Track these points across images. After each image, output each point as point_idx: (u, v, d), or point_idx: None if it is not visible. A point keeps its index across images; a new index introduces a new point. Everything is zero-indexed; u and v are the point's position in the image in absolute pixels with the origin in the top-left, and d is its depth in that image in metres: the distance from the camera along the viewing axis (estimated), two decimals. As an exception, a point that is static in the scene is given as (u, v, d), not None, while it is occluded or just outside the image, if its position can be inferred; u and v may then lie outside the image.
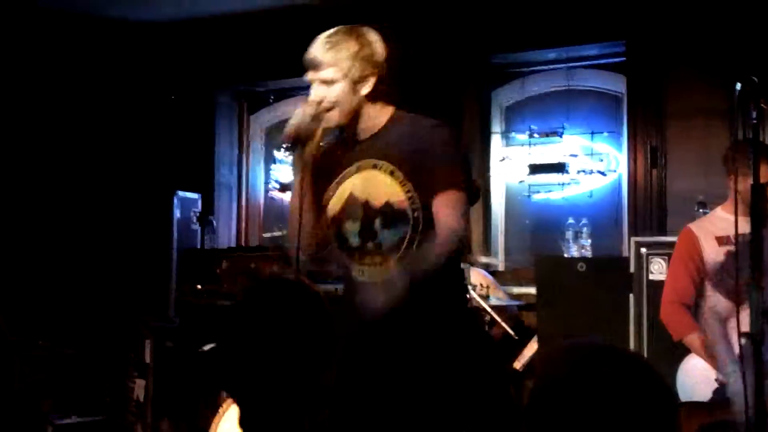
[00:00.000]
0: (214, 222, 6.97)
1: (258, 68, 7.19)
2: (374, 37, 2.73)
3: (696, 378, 3.71)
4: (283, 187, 7.30)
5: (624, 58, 5.97)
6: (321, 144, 2.69)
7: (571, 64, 6.27)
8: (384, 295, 2.39)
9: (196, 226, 6.73)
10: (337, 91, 2.64)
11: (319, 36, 2.73)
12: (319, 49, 2.69)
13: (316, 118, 2.65)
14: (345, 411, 2.39)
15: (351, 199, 2.67)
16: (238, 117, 7.57)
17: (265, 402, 1.62)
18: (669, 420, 1.29)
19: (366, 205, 2.64)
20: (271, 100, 7.48)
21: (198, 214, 6.76)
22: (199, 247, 6.73)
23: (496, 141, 6.45)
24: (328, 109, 2.66)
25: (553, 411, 1.27)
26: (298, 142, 2.63)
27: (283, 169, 7.35)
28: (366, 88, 2.65)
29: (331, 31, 2.73)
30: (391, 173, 2.62)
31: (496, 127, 6.49)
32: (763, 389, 2.33)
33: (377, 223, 2.62)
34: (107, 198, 6.70)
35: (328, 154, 2.75)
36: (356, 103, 2.65)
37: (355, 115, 2.67)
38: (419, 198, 2.59)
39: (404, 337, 2.47)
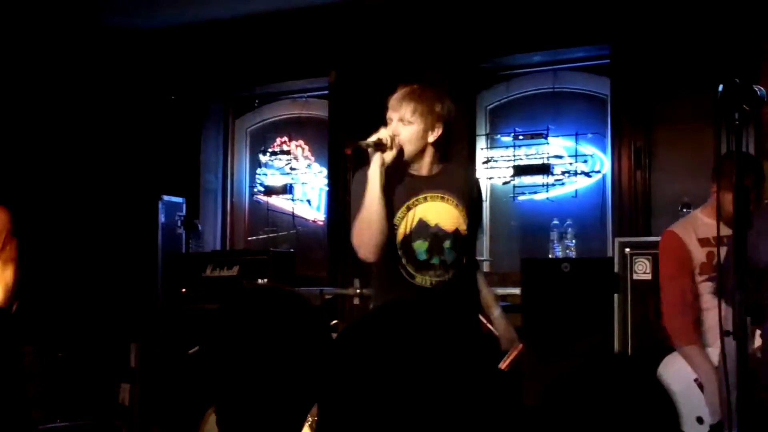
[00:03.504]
0: (200, 226, 6.96)
1: (243, 73, 7.19)
2: (448, 101, 3.33)
3: (680, 381, 3.71)
4: (269, 191, 7.30)
5: (609, 61, 6.00)
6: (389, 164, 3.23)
7: (556, 67, 6.30)
8: (444, 300, 3.22)
9: (181, 231, 6.72)
10: (412, 131, 3.25)
11: (404, 87, 3.32)
12: (406, 97, 3.28)
13: (395, 141, 3.23)
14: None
15: (421, 223, 3.29)
16: (224, 121, 7.57)
17: (245, 405, 1.62)
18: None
19: (437, 228, 3.29)
20: (256, 104, 7.48)
21: (183, 219, 6.75)
22: (184, 251, 6.72)
23: (481, 143, 6.47)
24: (392, 146, 3.23)
25: None
26: (379, 148, 3.18)
27: (269, 173, 7.36)
28: (432, 137, 3.27)
29: (417, 86, 3.32)
30: (456, 206, 3.33)
31: (481, 129, 6.51)
32: (749, 384, 2.34)
33: (446, 244, 3.28)
34: (93, 202, 6.68)
35: (395, 184, 3.29)
36: (423, 145, 3.28)
37: (420, 155, 3.30)
38: (470, 228, 3.35)
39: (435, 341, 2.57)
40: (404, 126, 3.25)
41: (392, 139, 3.21)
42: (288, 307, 1.69)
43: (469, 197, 3.37)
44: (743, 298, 2.35)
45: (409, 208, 3.29)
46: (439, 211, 3.31)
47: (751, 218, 2.38)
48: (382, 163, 3.19)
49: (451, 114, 3.32)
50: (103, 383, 5.77)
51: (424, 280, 3.28)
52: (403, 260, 3.27)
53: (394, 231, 3.27)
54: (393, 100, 3.28)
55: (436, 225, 3.29)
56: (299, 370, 1.62)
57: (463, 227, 3.32)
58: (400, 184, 3.30)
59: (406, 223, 3.28)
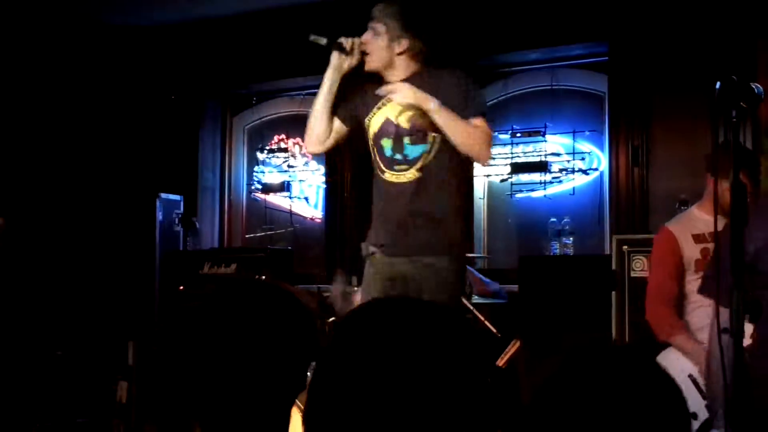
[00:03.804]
0: (198, 224, 6.96)
1: (241, 70, 7.19)
2: (418, 17, 3.63)
3: (673, 376, 3.72)
4: (266, 189, 7.30)
5: (606, 58, 6.00)
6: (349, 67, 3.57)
7: (554, 64, 6.31)
8: (407, 193, 3.45)
9: (179, 228, 6.72)
10: (378, 41, 3.53)
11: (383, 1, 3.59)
12: (379, 8, 3.57)
13: (360, 50, 3.55)
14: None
15: (387, 121, 3.55)
16: (221, 118, 7.57)
17: (224, 403, 1.61)
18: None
19: (398, 127, 3.51)
20: (253, 102, 7.48)
21: (180, 216, 6.74)
22: (181, 249, 6.72)
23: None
24: (366, 53, 3.54)
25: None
26: (340, 49, 3.53)
27: (266, 170, 7.36)
28: (399, 48, 3.54)
29: (395, 2, 3.59)
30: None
31: (479, 126, 6.50)
32: (744, 382, 2.34)
33: (406, 140, 3.50)
34: (90, 200, 6.68)
35: (369, 89, 3.57)
36: (390, 54, 3.54)
37: (388, 63, 3.55)
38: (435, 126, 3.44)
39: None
40: (373, 35, 3.55)
41: (353, 44, 3.54)
42: (272, 302, 1.68)
43: (440, 96, 3.44)
44: (740, 295, 2.35)
45: (378, 108, 3.56)
46: (399, 110, 3.51)
47: (748, 214, 2.38)
48: (338, 66, 3.56)
49: (425, 30, 3.61)
50: (100, 381, 5.76)
51: (392, 175, 3.52)
52: (377, 157, 3.57)
53: (367, 132, 3.59)
54: (373, 11, 3.58)
55: (398, 123, 3.52)
56: (281, 366, 1.61)
57: (425, 123, 3.45)
58: (374, 89, 3.54)
59: (375, 123, 3.57)
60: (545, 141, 6.22)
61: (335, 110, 3.65)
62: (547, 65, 6.34)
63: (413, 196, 3.46)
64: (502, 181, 6.34)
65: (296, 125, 7.29)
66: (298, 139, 7.24)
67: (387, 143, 3.54)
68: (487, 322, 5.02)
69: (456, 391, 1.28)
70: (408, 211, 3.47)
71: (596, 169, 6.14)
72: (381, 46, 3.54)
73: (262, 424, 1.62)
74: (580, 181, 6.18)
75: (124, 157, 6.97)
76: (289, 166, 7.26)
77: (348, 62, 3.56)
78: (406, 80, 3.52)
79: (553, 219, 6.00)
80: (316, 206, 7.14)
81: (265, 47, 6.95)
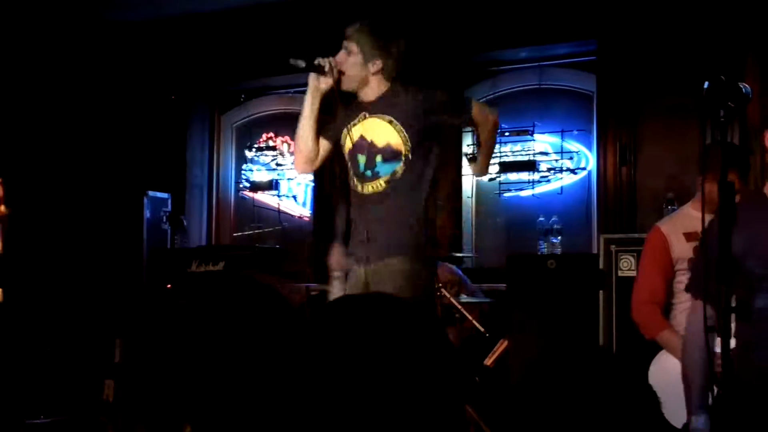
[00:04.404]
0: (185, 222, 6.94)
1: (229, 68, 7.17)
2: (392, 37, 3.70)
3: (670, 378, 3.72)
4: (254, 187, 7.29)
5: (595, 58, 6.01)
6: (330, 90, 3.64)
7: (542, 63, 6.31)
8: (377, 203, 3.60)
9: (167, 226, 6.70)
10: (352, 61, 3.63)
11: (357, 22, 3.69)
12: (354, 29, 3.66)
13: (337, 70, 3.63)
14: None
15: (361, 138, 3.67)
16: (210, 116, 7.55)
17: (217, 402, 1.61)
18: None
19: (371, 144, 3.63)
20: (242, 100, 7.46)
21: (168, 214, 6.72)
22: (169, 246, 6.70)
23: (467, 139, 6.47)
24: (342, 73, 3.63)
25: None
26: (318, 71, 3.60)
27: (255, 168, 7.35)
28: (373, 68, 3.64)
29: (367, 21, 3.70)
30: (390, 122, 3.61)
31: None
32: (732, 382, 2.35)
33: (378, 158, 3.61)
34: (78, 197, 6.65)
35: (343, 108, 3.71)
36: (364, 75, 3.64)
37: (362, 83, 3.66)
38: (411, 142, 3.59)
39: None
40: (348, 56, 3.64)
41: (331, 64, 3.61)
42: (253, 298, 1.67)
43: (411, 115, 3.60)
44: (727, 294, 2.36)
45: (353, 126, 3.69)
46: (375, 129, 3.65)
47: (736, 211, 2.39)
48: (316, 87, 3.64)
49: (396, 50, 3.67)
50: (87, 379, 5.74)
51: (364, 187, 3.67)
52: (351, 171, 3.71)
53: (343, 147, 3.73)
54: (347, 31, 3.68)
55: (371, 141, 3.65)
56: (267, 362, 1.60)
57: (397, 142, 3.59)
58: (348, 107, 3.71)
59: (350, 139, 3.69)
60: (533, 140, 6.23)
61: (326, 130, 3.77)
62: (535, 64, 6.34)
63: (379, 205, 3.61)
64: (491, 180, 6.34)
65: (285, 123, 7.28)
66: (287, 137, 7.23)
67: (361, 159, 3.67)
68: (474, 321, 5.03)
69: (420, 379, 1.28)
70: (374, 218, 3.62)
71: (584, 169, 6.16)
72: (356, 66, 3.64)
73: (254, 422, 1.62)
74: (568, 180, 6.19)
75: (111, 154, 6.94)
76: (277, 164, 7.25)
77: (325, 82, 3.63)
78: (380, 98, 3.66)
79: (541, 218, 6.00)
80: (304, 204, 7.13)
81: (254, 44, 6.93)
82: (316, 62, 3.62)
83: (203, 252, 6.56)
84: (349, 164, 3.73)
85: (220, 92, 7.52)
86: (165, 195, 6.75)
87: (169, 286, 6.21)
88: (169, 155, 7.22)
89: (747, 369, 2.64)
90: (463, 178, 6.44)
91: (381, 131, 3.64)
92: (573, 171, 6.17)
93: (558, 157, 6.20)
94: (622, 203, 5.75)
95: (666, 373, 3.77)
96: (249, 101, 7.47)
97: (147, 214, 6.52)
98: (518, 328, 4.99)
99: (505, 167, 6.26)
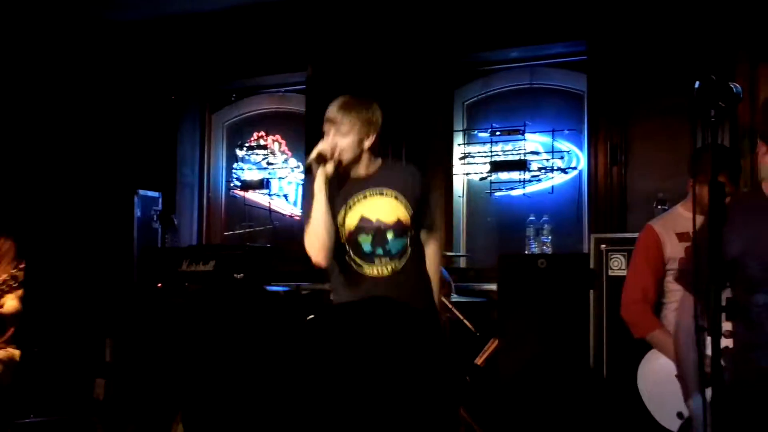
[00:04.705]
0: (176, 221, 6.93)
1: (220, 67, 7.16)
2: (377, 108, 3.65)
3: (660, 378, 3.73)
4: (245, 186, 7.28)
5: (586, 57, 6.02)
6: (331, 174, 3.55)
7: (533, 63, 6.32)
8: (393, 287, 3.49)
9: (157, 225, 6.69)
10: (348, 141, 3.54)
11: (338, 99, 3.61)
12: (339, 110, 3.57)
13: (334, 152, 3.55)
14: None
15: (363, 219, 3.58)
16: (200, 115, 7.53)
17: (208, 396, 1.61)
18: None
19: (378, 222, 3.57)
20: (233, 98, 7.46)
21: (159, 213, 6.71)
22: (159, 246, 6.68)
23: (458, 139, 6.48)
24: (333, 154, 3.53)
25: None
26: (321, 161, 3.50)
27: (245, 167, 7.34)
28: (368, 143, 3.58)
29: (348, 97, 3.62)
30: (395, 198, 3.60)
31: (459, 124, 6.52)
32: (722, 382, 2.35)
33: (389, 235, 3.56)
34: (68, 196, 6.63)
35: (335, 189, 3.59)
36: (359, 152, 3.57)
37: (357, 160, 3.58)
38: (414, 219, 3.61)
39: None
40: (342, 137, 3.54)
41: (332, 150, 3.52)
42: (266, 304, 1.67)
43: (410, 189, 3.63)
44: (717, 293, 2.36)
45: (350, 207, 3.60)
46: (378, 206, 3.60)
47: (726, 212, 2.39)
48: (326, 176, 3.52)
49: (380, 119, 3.63)
50: (78, 378, 5.73)
51: (371, 269, 3.58)
52: (351, 253, 3.58)
53: (340, 229, 3.59)
54: (329, 114, 3.57)
55: (377, 219, 3.58)
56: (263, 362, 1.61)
57: (405, 217, 3.60)
58: (342, 188, 3.61)
59: (350, 221, 3.58)
60: (525, 139, 6.24)
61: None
62: (527, 64, 6.35)
63: (392, 288, 3.51)
64: (482, 179, 6.35)
65: (276, 122, 7.28)
66: (278, 136, 7.23)
67: (365, 239, 3.58)
68: (466, 321, 5.03)
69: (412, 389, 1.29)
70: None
71: (575, 168, 6.17)
72: (352, 146, 3.56)
73: (245, 420, 1.62)
74: (559, 179, 6.20)
75: (102, 153, 6.92)
76: (268, 164, 7.24)
77: (330, 167, 3.55)
78: (377, 173, 3.63)
79: (532, 217, 6.01)
80: (295, 203, 7.13)
81: (246, 44, 6.93)
82: (318, 153, 3.52)
83: (194, 251, 6.54)
84: (349, 246, 3.60)
85: (211, 91, 7.51)
86: (156, 194, 6.74)
87: (159, 285, 6.20)
88: (160, 154, 7.21)
89: (746, 369, 2.65)
90: (455, 178, 6.45)
91: (388, 207, 3.60)
92: (564, 170, 6.18)
93: (549, 157, 6.21)
94: (613, 203, 5.76)
95: (656, 373, 3.78)
96: (240, 100, 7.47)
97: (137, 212, 6.50)
98: (509, 327, 5.00)
99: (497, 167, 6.27)
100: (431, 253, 3.76)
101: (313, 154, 3.53)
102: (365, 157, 3.61)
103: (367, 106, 3.62)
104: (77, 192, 6.65)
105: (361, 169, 3.63)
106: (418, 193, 3.65)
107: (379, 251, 3.57)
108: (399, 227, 3.57)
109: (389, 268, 3.58)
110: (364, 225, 3.59)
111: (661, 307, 3.88)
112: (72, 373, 5.83)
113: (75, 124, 6.89)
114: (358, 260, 3.59)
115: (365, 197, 3.61)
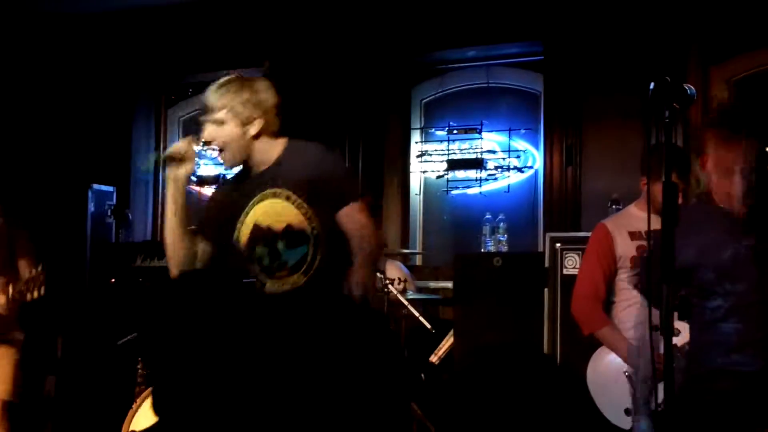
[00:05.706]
0: (130, 215, 6.86)
1: (176, 61, 7.10)
2: (262, 86, 3.07)
3: (608, 374, 3.78)
4: (201, 181, 7.22)
5: (542, 57, 6.06)
6: (190, 176, 3.09)
7: (490, 62, 6.35)
8: (289, 305, 2.89)
9: (111, 220, 6.61)
10: (227, 131, 3.01)
11: (214, 83, 3.08)
12: (213, 94, 3.04)
13: (192, 152, 3.05)
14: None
15: (256, 228, 3.03)
16: (155, 109, 7.46)
17: (181, 385, 1.61)
18: None
19: (269, 230, 3.00)
20: (189, 93, 7.40)
21: (113, 208, 6.64)
22: (113, 241, 6.61)
23: (415, 136, 6.49)
24: (221, 149, 3.04)
25: None
26: (173, 161, 3.03)
27: (201, 162, 7.28)
28: (254, 129, 3.02)
29: (225, 78, 3.08)
30: (287, 198, 2.98)
31: (416, 122, 6.53)
32: (674, 379, 2.38)
33: (280, 245, 2.98)
34: (20, 190, 6.53)
35: (231, 191, 3.13)
36: (245, 142, 3.02)
37: (247, 153, 3.05)
38: (317, 217, 2.96)
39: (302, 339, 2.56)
40: (218, 128, 3.03)
41: (186, 150, 3.04)
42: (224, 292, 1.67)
43: (308, 183, 2.98)
44: (669, 292, 2.39)
45: (246, 215, 3.07)
46: (268, 210, 3.03)
47: (679, 212, 2.42)
48: (177, 182, 3.07)
49: (271, 98, 3.06)
50: (28, 374, 5.65)
51: (274, 285, 3.01)
52: (257, 269, 3.04)
53: (238, 242, 3.07)
54: (203, 99, 3.08)
55: (268, 226, 3.03)
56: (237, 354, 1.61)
57: (299, 220, 2.98)
58: (237, 190, 3.13)
59: (245, 231, 3.07)
60: (481, 138, 6.27)
61: (201, 230, 3.18)
62: (483, 63, 6.38)
63: (291, 307, 2.93)
64: (438, 177, 6.37)
65: (232, 118, 7.22)
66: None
67: (262, 251, 3.03)
68: (421, 318, 5.04)
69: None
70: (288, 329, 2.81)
71: (531, 167, 6.21)
72: (232, 136, 3.02)
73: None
74: (515, 178, 6.24)
75: (56, 146, 6.83)
76: (224, 159, 7.19)
77: (184, 169, 3.05)
78: (271, 167, 3.05)
79: (488, 216, 6.04)
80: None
81: (202, 38, 6.87)
82: (166, 154, 3.05)
83: (148, 246, 6.48)
84: (251, 261, 3.04)
85: (167, 85, 7.44)
86: (110, 188, 6.66)
87: (113, 280, 6.14)
88: (114, 148, 7.13)
89: (699, 370, 2.70)
90: (411, 176, 6.46)
91: (278, 210, 2.99)
92: (520, 170, 6.22)
93: (505, 156, 6.24)
94: (568, 202, 5.81)
95: (605, 370, 3.82)
96: (197, 95, 7.40)
97: (91, 207, 6.42)
98: (464, 325, 5.02)
99: (453, 165, 6.29)
100: (353, 226, 2.97)
101: (163, 156, 3.07)
102: (257, 147, 3.04)
103: (249, 84, 3.05)
104: (30, 186, 6.55)
105: (255, 163, 3.08)
106: (322, 180, 2.96)
107: (276, 264, 3.00)
108: (291, 234, 2.96)
109: (290, 282, 2.98)
110: (256, 234, 3.04)
111: (612, 306, 3.92)
112: (23, 370, 5.75)
113: (28, 118, 6.79)
114: (261, 277, 3.04)
115: (261, 200, 3.05)
